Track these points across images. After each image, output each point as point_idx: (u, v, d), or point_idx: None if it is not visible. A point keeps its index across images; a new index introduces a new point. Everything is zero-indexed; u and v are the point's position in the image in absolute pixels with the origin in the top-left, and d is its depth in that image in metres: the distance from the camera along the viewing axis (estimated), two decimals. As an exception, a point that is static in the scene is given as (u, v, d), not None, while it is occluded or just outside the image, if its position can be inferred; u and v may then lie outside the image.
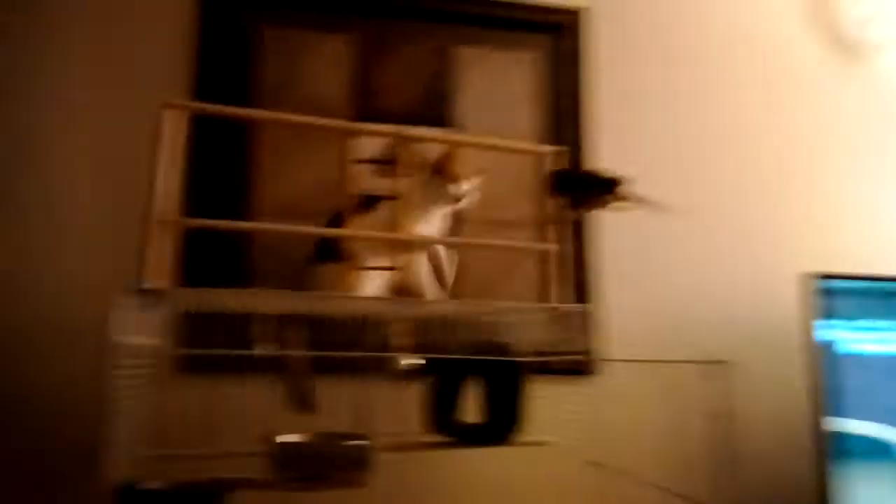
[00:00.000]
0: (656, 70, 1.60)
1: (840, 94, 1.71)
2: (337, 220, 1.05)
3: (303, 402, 1.03)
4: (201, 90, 1.31)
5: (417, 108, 1.43)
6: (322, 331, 1.02)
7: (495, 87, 1.49)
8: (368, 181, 1.29)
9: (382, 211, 1.07)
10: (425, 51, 1.46)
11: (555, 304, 0.95)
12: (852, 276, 1.34)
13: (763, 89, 1.66)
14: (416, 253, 1.06)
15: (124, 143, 1.26)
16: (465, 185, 1.06)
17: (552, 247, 0.99)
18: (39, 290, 1.19)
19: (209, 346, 0.93)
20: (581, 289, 1.43)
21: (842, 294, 1.32)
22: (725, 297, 1.52)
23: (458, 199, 1.06)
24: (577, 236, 1.44)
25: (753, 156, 1.62)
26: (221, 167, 1.30)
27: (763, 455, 1.43)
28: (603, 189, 0.94)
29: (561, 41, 1.54)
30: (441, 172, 1.05)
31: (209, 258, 1.25)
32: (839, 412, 1.26)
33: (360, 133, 1.25)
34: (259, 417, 0.94)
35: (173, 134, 0.86)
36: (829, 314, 1.29)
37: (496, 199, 1.40)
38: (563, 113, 1.51)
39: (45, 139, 1.27)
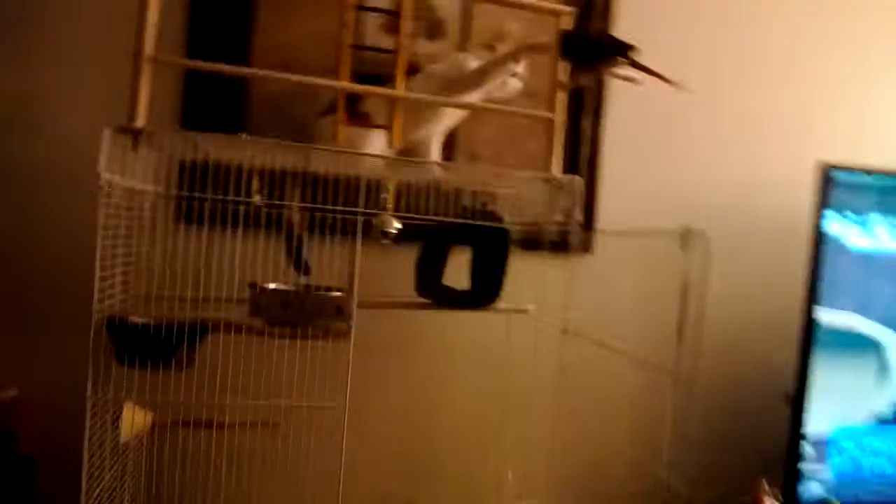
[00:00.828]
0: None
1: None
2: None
3: (298, 260, 1.05)
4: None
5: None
6: (317, 188, 1.01)
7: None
8: (375, 35, 1.25)
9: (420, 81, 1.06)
10: None
11: (544, 174, 0.93)
12: (867, 168, 1.29)
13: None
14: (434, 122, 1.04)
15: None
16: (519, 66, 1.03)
17: (551, 115, 0.96)
18: (40, 133, 1.20)
19: (204, 195, 0.94)
20: (588, 162, 1.41)
21: (855, 188, 1.28)
22: (735, 179, 1.48)
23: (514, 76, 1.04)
24: (584, 107, 1.40)
25: (772, 34, 1.52)
26: (221, 14, 1.25)
27: (750, 334, 1.46)
28: (614, 52, 0.89)
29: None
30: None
31: (208, 106, 1.24)
32: (832, 304, 1.26)
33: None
34: (250, 270, 0.97)
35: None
36: (839, 206, 1.26)
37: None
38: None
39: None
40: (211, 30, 1.25)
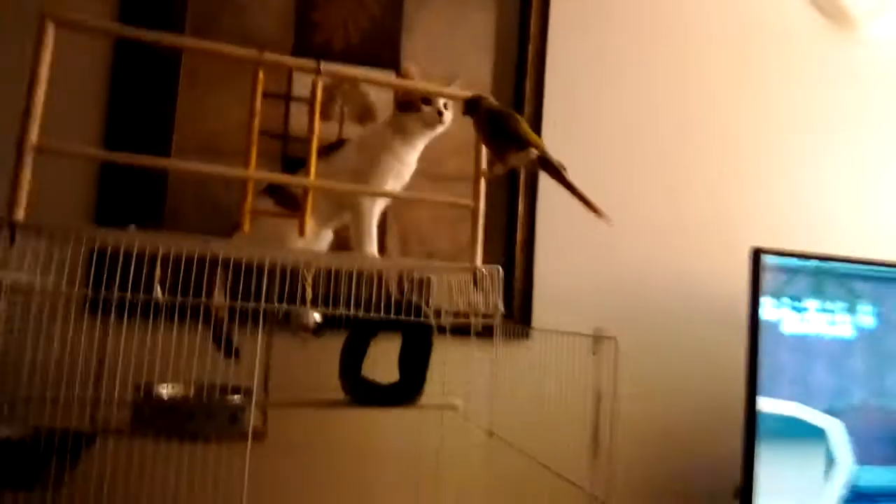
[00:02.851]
0: (614, 35, 1.51)
1: (808, 67, 1.63)
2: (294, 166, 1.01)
3: (228, 346, 0.98)
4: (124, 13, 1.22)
5: (361, 46, 1.34)
6: (241, 277, 0.96)
7: (451, 31, 1.40)
8: (302, 122, 1.23)
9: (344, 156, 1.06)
10: (374, -16, 1.37)
11: (465, 265, 0.90)
12: (799, 253, 1.29)
13: (718, 58, 1.58)
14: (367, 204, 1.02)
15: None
16: (441, 102, 1.03)
17: (471, 203, 0.93)
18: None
19: (109, 288, 0.87)
20: (523, 246, 1.39)
21: (786, 272, 1.27)
22: (669, 268, 1.47)
23: (439, 120, 1.04)
24: (516, 195, 1.39)
25: (705, 126, 1.55)
26: (141, 98, 1.23)
27: (695, 426, 1.41)
28: (513, 143, 0.85)
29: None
30: (409, 104, 1.03)
31: (124, 195, 1.19)
32: (774, 392, 1.23)
33: (287, 66, 1.16)
34: (150, 366, 0.89)
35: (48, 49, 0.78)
36: (775, 292, 1.25)
37: (436, 155, 1.34)
38: (524, 67, 1.42)
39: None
40: (131, 116, 1.22)
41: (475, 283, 0.92)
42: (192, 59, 1.25)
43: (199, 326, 0.96)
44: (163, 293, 0.91)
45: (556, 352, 1.08)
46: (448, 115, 1.05)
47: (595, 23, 1.50)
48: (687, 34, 1.56)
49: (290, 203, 1.03)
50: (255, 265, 0.96)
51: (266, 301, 0.96)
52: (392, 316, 0.90)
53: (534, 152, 0.83)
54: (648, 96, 1.52)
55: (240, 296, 0.95)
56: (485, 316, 0.96)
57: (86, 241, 0.83)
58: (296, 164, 1.19)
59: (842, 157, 1.62)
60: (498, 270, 0.91)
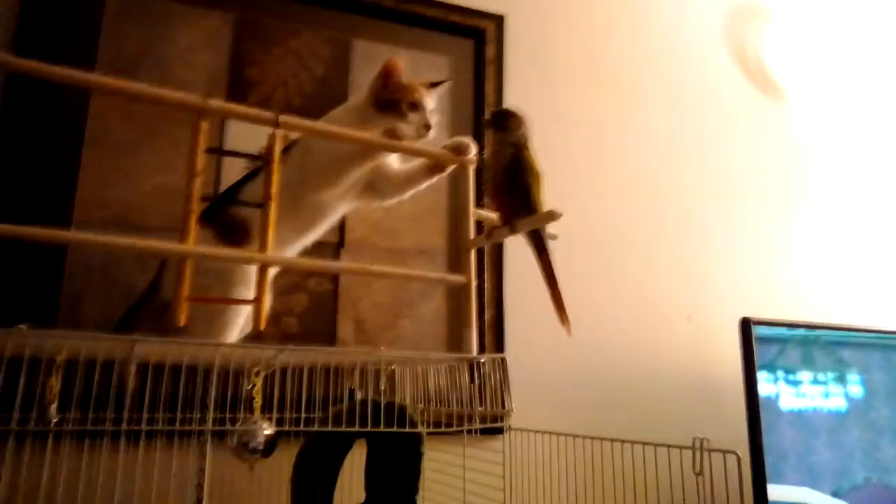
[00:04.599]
0: (568, 94, 1.45)
1: (764, 134, 1.64)
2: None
3: None
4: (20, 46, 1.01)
5: (304, 103, 1.19)
6: (154, 379, 0.74)
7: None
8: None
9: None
10: (320, 40, 1.23)
11: (463, 355, 0.72)
12: (786, 323, 1.21)
13: (677, 123, 1.55)
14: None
15: None
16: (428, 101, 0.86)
17: (464, 279, 0.76)
18: None
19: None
20: (492, 326, 1.23)
21: (777, 343, 1.18)
22: (652, 341, 1.36)
23: (425, 135, 0.87)
24: (481, 268, 1.24)
25: (658, 186, 1.50)
26: (34, 158, 1.00)
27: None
28: (527, 206, 0.72)
29: (484, 47, 1.35)
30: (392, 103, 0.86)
31: (15, 276, 0.94)
32: (778, 477, 1.11)
33: (238, 116, 0.99)
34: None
35: None
36: (769, 366, 1.15)
37: (394, 224, 1.19)
38: (480, 129, 1.31)
39: None
40: (19, 178, 0.99)
41: (473, 376, 0.75)
42: (101, 110, 1.04)
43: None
44: (59, 412, 0.68)
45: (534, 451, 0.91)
46: (433, 133, 0.89)
47: (551, 86, 1.43)
48: (644, 93, 1.52)
49: (233, 232, 0.87)
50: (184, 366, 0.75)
51: (200, 414, 0.75)
52: (371, 428, 0.70)
53: (541, 225, 0.69)
54: (611, 163, 1.45)
55: (161, 407, 0.73)
56: (483, 413, 0.78)
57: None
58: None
59: (780, 225, 1.60)
60: (503, 360, 0.74)
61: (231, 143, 1.11)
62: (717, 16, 1.64)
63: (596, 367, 1.29)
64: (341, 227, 1.14)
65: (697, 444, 0.48)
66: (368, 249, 1.17)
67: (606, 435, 0.71)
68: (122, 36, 1.09)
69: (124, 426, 0.67)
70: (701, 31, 1.62)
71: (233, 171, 1.09)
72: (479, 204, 0.85)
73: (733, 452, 0.48)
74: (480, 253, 1.23)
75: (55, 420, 0.64)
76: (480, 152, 0.83)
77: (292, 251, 0.93)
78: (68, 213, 1.00)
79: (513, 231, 0.72)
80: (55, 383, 0.66)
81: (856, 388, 1.23)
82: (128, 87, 0.69)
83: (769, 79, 1.67)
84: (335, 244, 1.15)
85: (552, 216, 0.66)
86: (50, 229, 0.63)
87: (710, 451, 0.48)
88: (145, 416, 0.71)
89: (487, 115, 0.78)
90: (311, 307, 1.12)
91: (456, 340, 1.16)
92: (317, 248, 1.04)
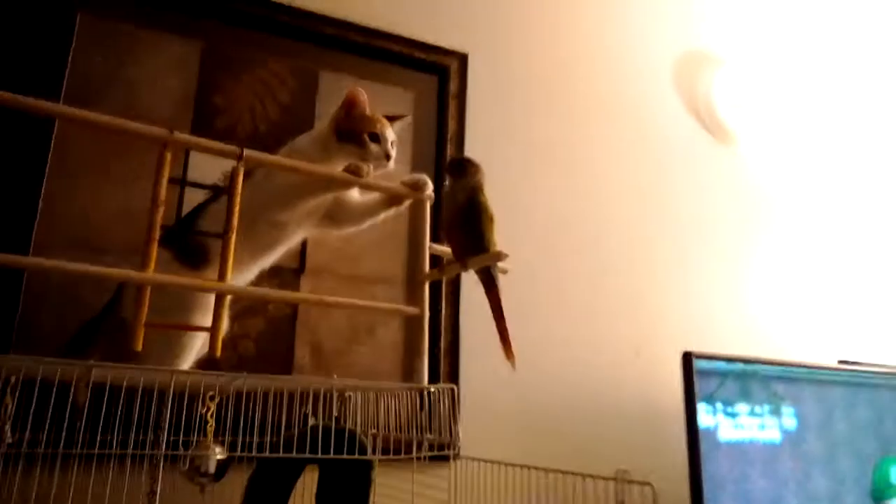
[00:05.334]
0: (526, 129, 1.51)
1: (712, 175, 1.72)
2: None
3: None
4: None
5: (270, 130, 1.22)
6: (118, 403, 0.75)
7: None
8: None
9: None
10: (287, 70, 1.26)
11: (413, 385, 0.76)
12: (726, 357, 1.27)
13: (629, 162, 1.62)
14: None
15: None
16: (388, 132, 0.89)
17: (416, 311, 0.80)
18: None
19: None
20: (447, 354, 1.26)
21: (717, 376, 1.24)
22: (597, 375, 1.41)
23: (385, 165, 0.90)
24: (437, 297, 1.28)
25: (615, 223, 1.56)
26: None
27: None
28: (479, 245, 0.76)
29: (447, 83, 1.40)
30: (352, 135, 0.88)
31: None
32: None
33: (201, 149, 1.01)
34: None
35: None
36: (709, 398, 1.21)
37: (355, 251, 1.22)
38: (441, 163, 1.36)
39: None
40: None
41: (421, 405, 0.78)
42: (66, 129, 1.05)
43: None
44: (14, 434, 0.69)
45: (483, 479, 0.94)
46: (391, 165, 0.93)
47: (511, 121, 1.49)
48: (603, 135, 1.59)
49: (192, 255, 0.88)
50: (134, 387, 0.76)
51: (154, 437, 0.76)
52: (322, 455, 0.73)
53: (491, 263, 0.73)
54: (567, 203, 1.51)
55: (114, 429, 0.74)
56: (431, 441, 0.81)
57: None
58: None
59: (730, 262, 1.68)
60: (453, 390, 0.78)
61: (195, 164, 1.13)
62: (669, 61, 1.73)
63: (546, 399, 1.33)
64: (302, 252, 1.17)
65: (620, 475, 0.52)
66: (329, 276, 1.19)
67: (551, 465, 0.75)
68: (90, 60, 1.10)
69: (76, 449, 0.68)
70: (654, 75, 1.70)
71: (196, 194, 1.11)
72: (435, 239, 0.89)
73: (648, 484, 0.52)
74: (439, 282, 1.27)
75: (8, 442, 0.64)
76: (441, 186, 0.88)
77: (250, 274, 0.96)
78: (28, 233, 1.00)
79: (464, 268, 0.76)
80: (9, 403, 0.67)
81: (789, 421, 1.30)
82: (94, 117, 0.71)
83: (719, 122, 1.76)
84: (295, 269, 1.17)
85: (500, 256, 0.71)
86: (5, 255, 0.64)
87: (629, 482, 0.52)
88: (98, 438, 0.72)
89: (446, 163, 0.82)
90: (268, 331, 1.13)
91: (410, 368, 1.19)
92: (277, 273, 1.07)
